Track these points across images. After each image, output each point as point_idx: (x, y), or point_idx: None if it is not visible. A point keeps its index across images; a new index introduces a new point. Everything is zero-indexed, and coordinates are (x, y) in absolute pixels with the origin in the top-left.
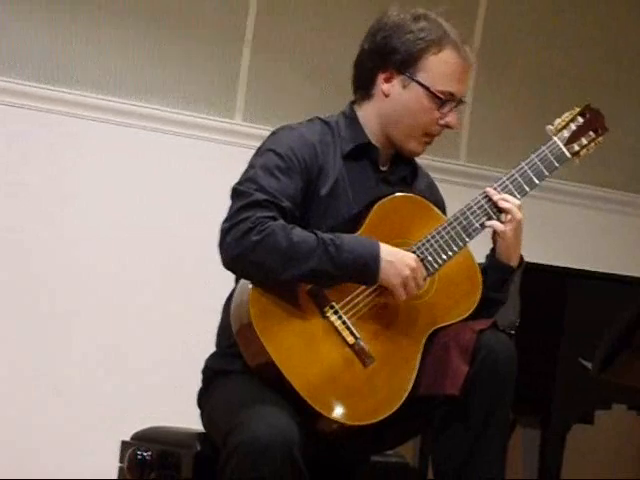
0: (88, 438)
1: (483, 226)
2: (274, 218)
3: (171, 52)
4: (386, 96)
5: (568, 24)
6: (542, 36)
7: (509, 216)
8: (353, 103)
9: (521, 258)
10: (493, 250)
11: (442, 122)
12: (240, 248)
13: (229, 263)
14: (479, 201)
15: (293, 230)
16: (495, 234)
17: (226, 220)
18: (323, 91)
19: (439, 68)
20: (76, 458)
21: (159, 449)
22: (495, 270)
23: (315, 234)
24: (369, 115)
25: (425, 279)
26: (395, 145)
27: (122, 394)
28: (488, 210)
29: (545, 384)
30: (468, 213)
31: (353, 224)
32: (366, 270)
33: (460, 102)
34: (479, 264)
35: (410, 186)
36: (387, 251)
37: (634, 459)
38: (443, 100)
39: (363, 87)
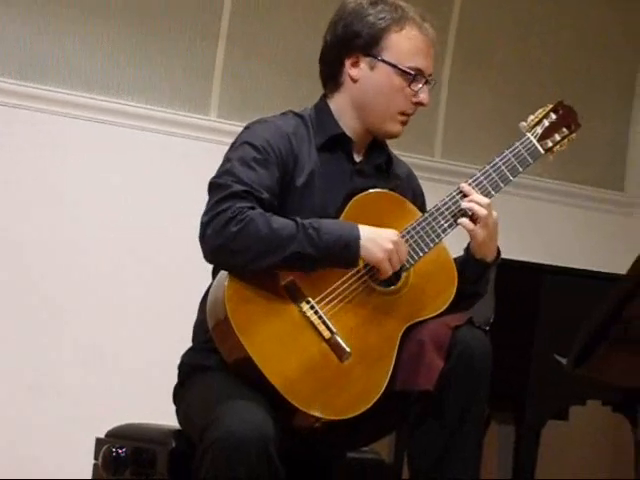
0: (63, 435)
1: (457, 223)
2: (252, 208)
3: (146, 48)
4: (355, 81)
5: (544, 19)
6: (518, 31)
7: (476, 216)
8: (325, 97)
9: (498, 252)
10: (467, 248)
11: (415, 100)
12: (221, 239)
13: (210, 255)
14: (453, 197)
15: (272, 217)
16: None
17: (205, 213)
18: (298, 87)
19: (403, 45)
20: (51, 454)
21: (134, 446)
22: (471, 265)
23: (294, 220)
24: (342, 105)
25: (402, 270)
26: (373, 130)
27: (97, 391)
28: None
29: (520, 380)
30: (443, 209)
31: (328, 217)
32: (347, 250)
33: (428, 81)
34: (456, 257)
35: (387, 173)
36: (367, 230)
37: (609, 455)
38: (413, 75)
39: (331, 78)
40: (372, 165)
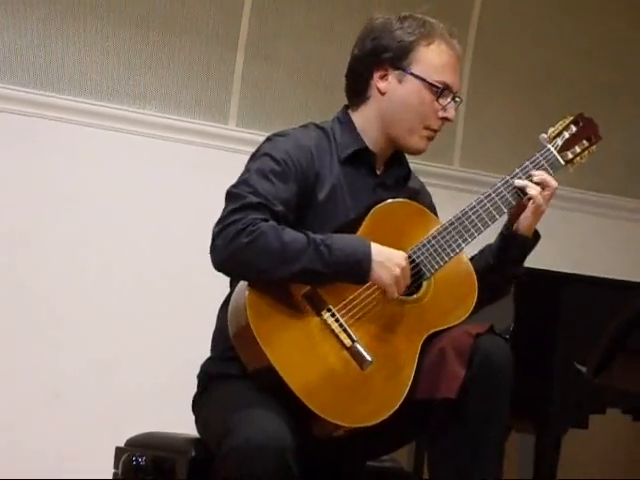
0: (83, 443)
1: (482, 227)
2: (265, 220)
3: (165, 58)
4: (383, 94)
5: (562, 29)
6: (535, 42)
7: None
8: (347, 108)
9: (536, 232)
10: (508, 228)
11: (442, 115)
12: (230, 250)
13: (220, 265)
14: (474, 207)
15: (284, 230)
16: (519, 207)
17: (218, 223)
18: (316, 97)
19: (432, 59)
20: (71, 463)
21: (153, 455)
22: (516, 245)
23: (306, 234)
24: (367, 118)
25: (423, 279)
26: (398, 144)
27: (117, 400)
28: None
29: (540, 388)
30: (463, 218)
31: (350, 230)
32: (357, 269)
33: (455, 97)
34: (488, 246)
35: (405, 186)
36: (378, 250)
37: (628, 463)
38: (440, 89)
39: (358, 92)
40: (393, 178)
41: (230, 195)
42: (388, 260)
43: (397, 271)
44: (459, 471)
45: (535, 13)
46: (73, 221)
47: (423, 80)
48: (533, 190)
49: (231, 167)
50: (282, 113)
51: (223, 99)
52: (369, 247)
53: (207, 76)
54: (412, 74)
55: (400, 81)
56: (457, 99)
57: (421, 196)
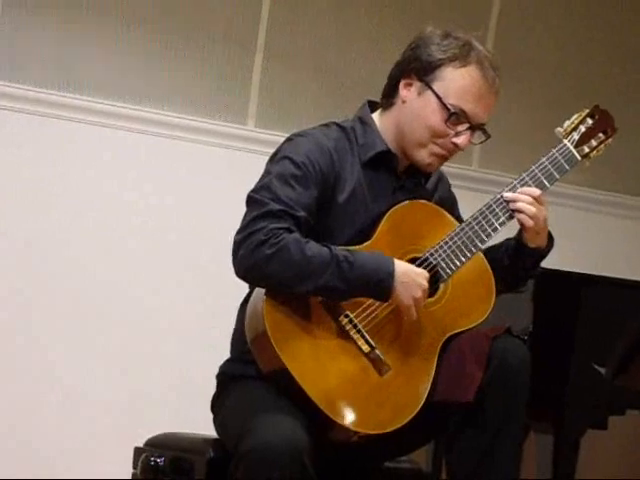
0: (102, 444)
1: (499, 227)
2: (288, 229)
3: (183, 58)
4: (403, 102)
5: (580, 30)
6: (554, 42)
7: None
8: (372, 109)
9: (550, 238)
10: (519, 239)
11: (452, 140)
12: (253, 260)
13: (242, 273)
14: (492, 208)
15: (307, 244)
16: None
17: (240, 231)
18: (336, 97)
19: (456, 81)
20: (90, 464)
21: (172, 455)
22: (527, 254)
23: (329, 249)
24: (387, 124)
25: (440, 282)
26: (406, 156)
27: (136, 400)
28: (499, 216)
29: (558, 390)
30: (480, 218)
31: (369, 231)
32: (379, 290)
33: (475, 127)
34: (502, 242)
35: (424, 188)
36: (401, 271)
37: None
38: (451, 113)
39: (387, 96)
40: (413, 182)
41: (251, 201)
42: (412, 281)
43: (419, 294)
44: (477, 472)
45: (553, 15)
46: (89, 223)
47: (439, 98)
48: (527, 221)
49: (250, 168)
50: (301, 113)
51: (242, 100)
52: (392, 266)
53: (226, 77)
54: (431, 89)
55: (420, 93)
56: (479, 132)
57: (434, 188)
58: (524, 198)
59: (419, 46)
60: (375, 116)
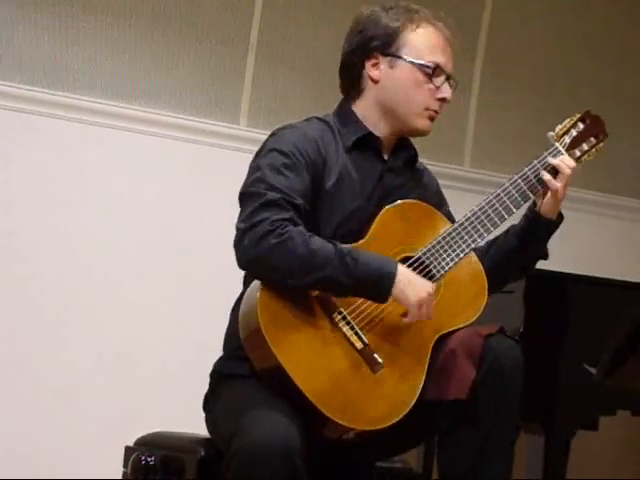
0: (92, 443)
1: (492, 228)
2: (292, 220)
3: (175, 57)
4: (376, 82)
5: (572, 32)
6: (545, 44)
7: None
8: (346, 104)
9: (560, 213)
10: (532, 211)
11: (438, 96)
12: (258, 250)
13: (245, 264)
14: (485, 208)
15: (312, 238)
16: (543, 195)
17: (243, 220)
18: (328, 96)
19: (419, 41)
20: (80, 463)
21: (163, 454)
22: (541, 226)
23: (334, 244)
24: (366, 108)
25: (433, 281)
26: (402, 129)
27: (126, 399)
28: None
29: (549, 390)
30: (473, 219)
31: (360, 218)
32: (379, 285)
33: (450, 77)
34: (511, 227)
35: (412, 170)
36: (406, 272)
37: (638, 465)
38: (432, 69)
39: (352, 85)
40: (401, 161)
41: (246, 195)
42: (418, 283)
43: (424, 295)
44: (469, 472)
45: (545, 15)
46: (84, 219)
47: (413, 62)
48: (547, 175)
49: (242, 167)
50: (293, 113)
51: (234, 99)
52: (395, 267)
53: (218, 76)
54: (402, 58)
55: (392, 67)
56: (452, 81)
57: (426, 179)
58: (569, 163)
59: (367, 27)
60: (351, 108)
